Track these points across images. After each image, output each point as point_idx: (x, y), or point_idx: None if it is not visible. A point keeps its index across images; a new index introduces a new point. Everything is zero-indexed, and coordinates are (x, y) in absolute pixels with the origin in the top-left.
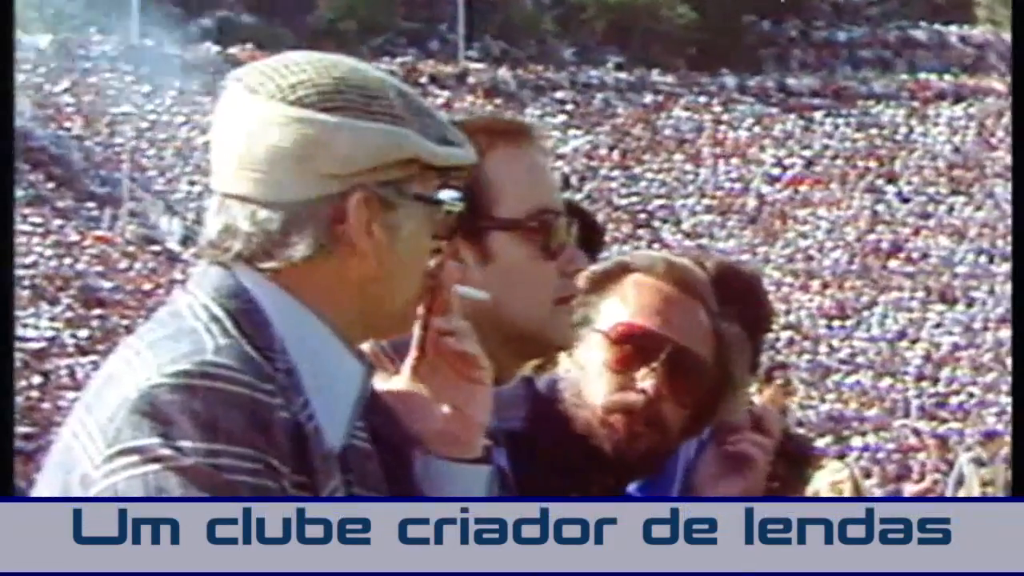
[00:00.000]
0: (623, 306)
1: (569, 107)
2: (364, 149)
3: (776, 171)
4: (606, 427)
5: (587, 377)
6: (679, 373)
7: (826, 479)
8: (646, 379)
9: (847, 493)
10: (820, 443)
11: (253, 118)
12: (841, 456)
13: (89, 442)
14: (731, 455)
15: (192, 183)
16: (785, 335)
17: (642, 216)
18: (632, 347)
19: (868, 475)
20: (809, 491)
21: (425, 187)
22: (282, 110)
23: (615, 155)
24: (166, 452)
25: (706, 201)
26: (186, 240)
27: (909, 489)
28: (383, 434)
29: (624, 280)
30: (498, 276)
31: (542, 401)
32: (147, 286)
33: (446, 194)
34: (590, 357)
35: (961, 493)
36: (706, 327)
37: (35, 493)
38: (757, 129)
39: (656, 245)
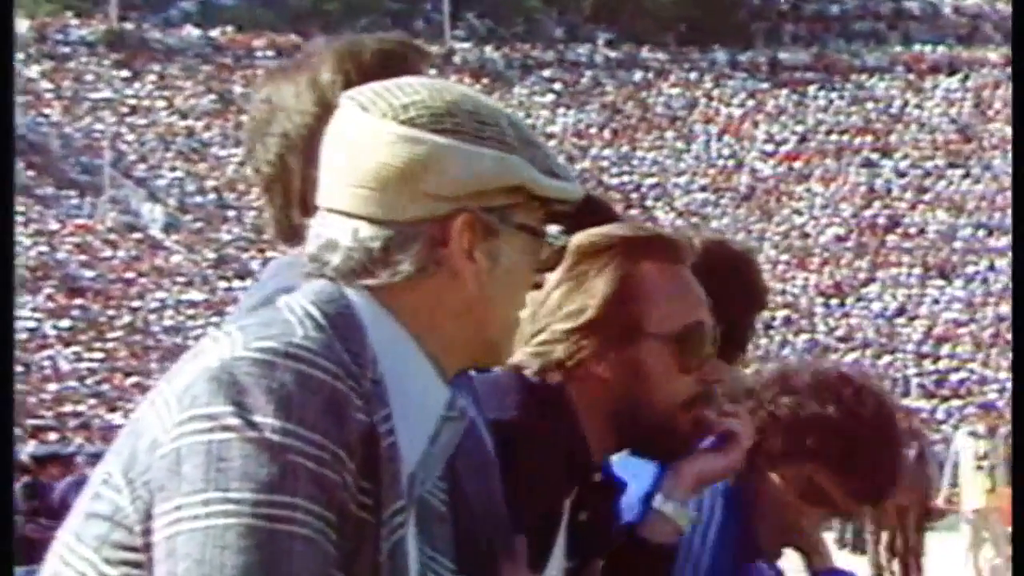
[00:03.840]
0: (669, 302)
1: (557, 86)
2: (472, 173)
3: (769, 147)
4: (689, 424)
5: (652, 378)
6: (689, 342)
7: None
8: (710, 370)
9: None
10: None
11: (363, 135)
12: None
13: (164, 408)
14: (720, 432)
15: (174, 169)
16: (781, 314)
17: (634, 196)
18: (691, 343)
19: None
20: None
21: (529, 218)
22: (393, 128)
23: (606, 134)
24: (235, 421)
25: (699, 179)
26: (168, 227)
27: None
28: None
29: (634, 267)
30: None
31: (533, 390)
32: (129, 274)
33: (550, 228)
34: (646, 359)
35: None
36: (703, 296)
37: (95, 471)
38: (749, 104)
39: (649, 225)
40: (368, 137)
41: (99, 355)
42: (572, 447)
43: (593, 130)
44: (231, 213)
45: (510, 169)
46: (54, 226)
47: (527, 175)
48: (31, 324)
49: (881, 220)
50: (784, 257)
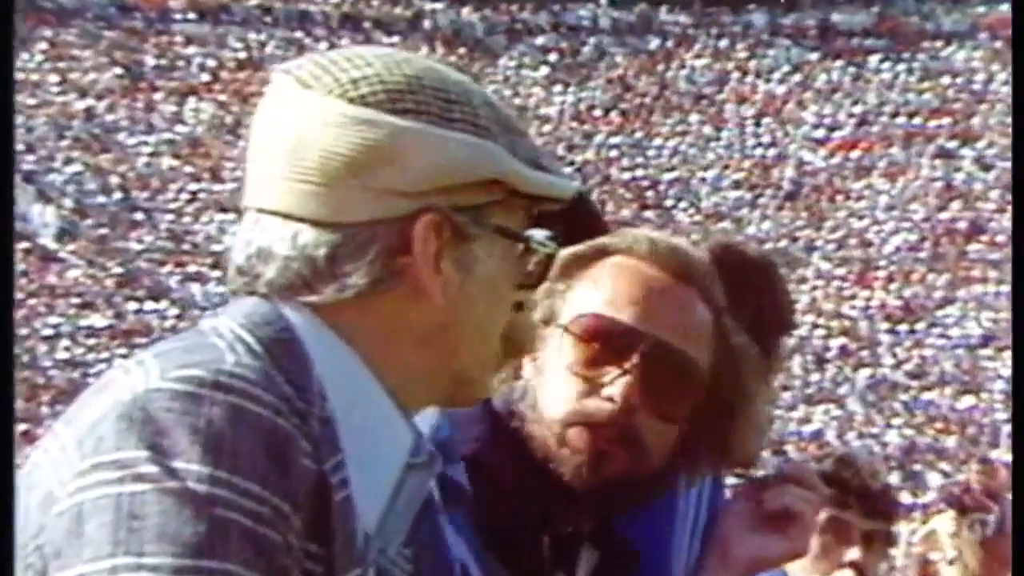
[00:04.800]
0: (595, 295)
1: (553, 56)
2: (439, 162)
3: (819, 133)
4: (565, 446)
5: (546, 385)
6: (659, 376)
7: (946, 527)
8: (614, 383)
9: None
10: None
11: (304, 117)
12: (916, 495)
13: (61, 454)
14: (771, 512)
15: (70, 161)
16: (837, 343)
17: (650, 194)
18: (601, 345)
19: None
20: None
21: (509, 219)
22: (341, 108)
23: (613, 116)
24: (151, 469)
25: (731, 173)
26: (63, 235)
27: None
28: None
29: (599, 265)
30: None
31: (498, 419)
32: (17, 295)
33: (535, 232)
34: (551, 360)
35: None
36: (704, 324)
37: None
38: (794, 80)
39: (669, 230)
40: (310, 120)
41: None
42: (548, 491)
43: (598, 112)
44: (141, 216)
45: (485, 159)
46: None
47: (506, 166)
48: None
49: (961, 225)
50: (840, 271)
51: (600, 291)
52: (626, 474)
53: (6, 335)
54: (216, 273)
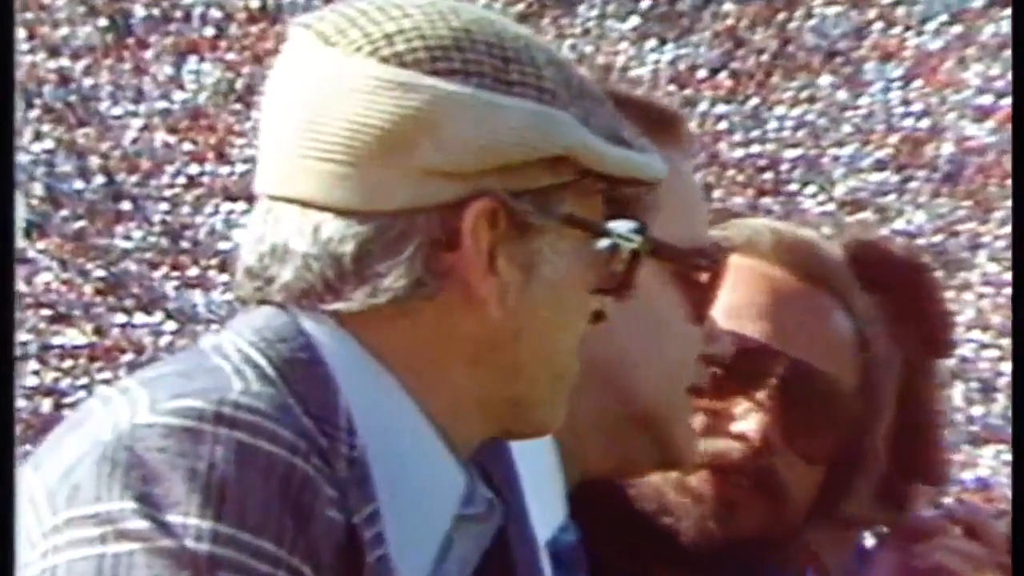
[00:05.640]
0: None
1: (644, 3)
2: (493, 136)
3: (985, 100)
4: (685, 494)
5: None
6: (801, 406)
7: None
8: (747, 417)
9: None
10: None
11: (326, 81)
12: None
13: (29, 508)
14: (922, 570)
15: (39, 136)
16: (1008, 368)
17: (767, 177)
18: (726, 369)
19: None
20: None
21: (583, 207)
22: (371, 69)
23: (722, 79)
24: (140, 525)
25: (872, 151)
26: (31, 230)
27: None
28: None
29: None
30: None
31: None
32: None
33: (619, 224)
34: None
35: None
36: (846, 337)
37: None
38: (954, 32)
39: (794, 222)
40: (334, 83)
41: None
42: (662, 550)
43: (702, 73)
44: (128, 207)
45: (552, 130)
46: None
47: (578, 140)
48: None
49: None
50: (1008, 276)
51: (716, 300)
52: (762, 529)
53: (6, 333)
54: (223, 278)
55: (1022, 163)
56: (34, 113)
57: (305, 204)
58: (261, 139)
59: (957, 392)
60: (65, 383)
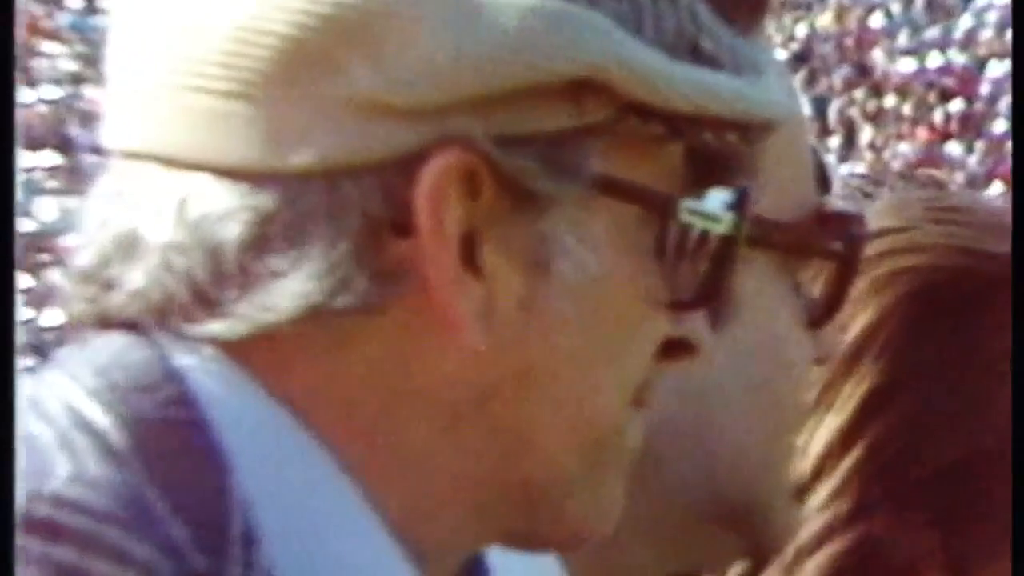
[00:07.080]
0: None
1: None
2: (476, 45)
3: None
4: None
5: None
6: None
7: None
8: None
9: None
10: None
11: None
12: None
13: None
14: None
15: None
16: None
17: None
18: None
19: None
20: None
21: (628, 165)
22: None
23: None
24: None
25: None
26: None
27: None
28: None
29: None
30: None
31: None
32: None
33: (715, 199)
34: None
35: None
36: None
37: None
38: None
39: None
40: None
41: None
42: None
43: (851, 24)
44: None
45: (574, 37)
46: None
47: (617, 54)
48: None
49: None
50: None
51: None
52: None
53: (7, 328)
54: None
55: (1022, 163)
56: None
57: (168, 162)
58: (109, 68)
59: None
60: None
